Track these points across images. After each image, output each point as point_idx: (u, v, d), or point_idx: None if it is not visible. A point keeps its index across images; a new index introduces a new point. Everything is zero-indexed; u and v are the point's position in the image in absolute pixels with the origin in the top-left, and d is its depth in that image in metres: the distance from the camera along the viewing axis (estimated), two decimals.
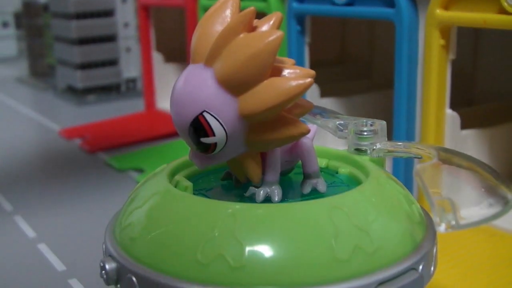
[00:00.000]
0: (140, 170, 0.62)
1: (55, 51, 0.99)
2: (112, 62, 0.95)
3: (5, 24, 1.41)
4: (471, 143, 0.48)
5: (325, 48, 0.74)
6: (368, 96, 0.63)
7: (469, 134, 0.48)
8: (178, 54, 0.83)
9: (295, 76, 0.25)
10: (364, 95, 0.63)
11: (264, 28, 0.26)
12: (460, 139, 0.46)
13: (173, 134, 0.72)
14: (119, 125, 0.80)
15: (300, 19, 0.55)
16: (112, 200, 0.55)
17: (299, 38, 0.56)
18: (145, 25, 0.82)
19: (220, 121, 0.25)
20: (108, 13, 0.93)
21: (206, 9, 0.67)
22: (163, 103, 0.83)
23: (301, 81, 0.24)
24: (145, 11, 0.82)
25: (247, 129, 0.26)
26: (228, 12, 0.26)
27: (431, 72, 0.44)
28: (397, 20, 0.46)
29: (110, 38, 0.94)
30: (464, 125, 0.47)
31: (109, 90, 0.96)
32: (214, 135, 0.25)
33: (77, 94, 0.95)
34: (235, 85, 0.25)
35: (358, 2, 0.49)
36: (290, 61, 0.27)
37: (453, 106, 0.46)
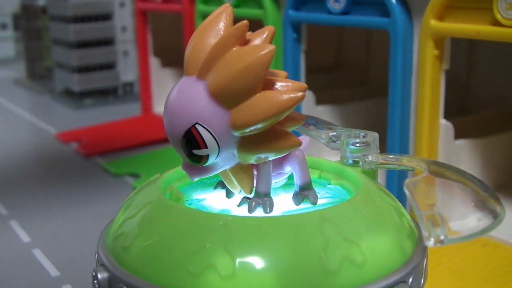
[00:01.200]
0: (136, 176, 0.62)
1: (53, 54, 0.99)
2: (110, 66, 0.95)
3: (3, 26, 1.41)
4: (465, 153, 0.48)
5: (321, 55, 0.74)
6: (363, 103, 0.64)
7: (463, 144, 0.48)
8: (175, 59, 0.84)
9: (287, 89, 0.26)
10: (359, 102, 0.64)
11: (257, 41, 0.26)
12: (453, 149, 0.46)
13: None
14: (115, 129, 0.80)
15: (296, 26, 0.56)
16: (107, 205, 0.55)
17: (295, 46, 0.56)
18: (142, 30, 0.83)
19: (213, 133, 0.25)
20: (106, 17, 0.93)
21: (203, 15, 0.67)
22: (160, 108, 0.84)
23: (293, 95, 0.25)
24: (142, 15, 0.82)
25: (239, 141, 0.26)
26: (221, 25, 0.26)
27: (425, 82, 0.44)
28: (392, 29, 0.46)
29: (108, 42, 0.94)
30: (458, 135, 0.47)
31: (106, 94, 0.96)
32: (206, 147, 0.25)
33: (74, 97, 0.95)
34: (227, 98, 0.25)
35: (353, 11, 0.49)
36: (283, 73, 0.27)
37: (447, 116, 0.46)
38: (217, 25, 0.27)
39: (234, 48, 0.25)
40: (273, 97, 0.25)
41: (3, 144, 0.76)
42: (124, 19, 0.95)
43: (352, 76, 0.74)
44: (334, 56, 0.77)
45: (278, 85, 0.26)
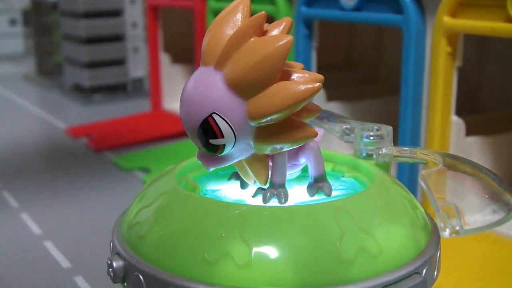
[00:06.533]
0: (146, 170, 0.62)
1: (63, 50, 0.99)
2: (120, 62, 0.96)
3: (13, 22, 1.41)
4: (476, 150, 0.48)
5: (332, 52, 0.74)
6: (374, 101, 0.64)
7: (474, 141, 0.48)
8: (186, 55, 0.84)
9: (304, 80, 0.26)
10: (370, 100, 0.64)
11: (275, 32, 0.26)
12: (464, 146, 0.46)
13: (179, 135, 0.72)
14: (125, 124, 0.80)
15: (308, 23, 0.56)
16: (117, 199, 0.55)
17: (307, 42, 0.56)
18: (153, 26, 0.83)
19: (229, 123, 0.25)
20: (116, 12, 0.94)
21: (215, 11, 0.67)
22: (170, 104, 0.84)
23: (310, 86, 0.25)
24: (153, 11, 0.82)
25: (255, 131, 0.26)
26: (239, 16, 0.27)
27: (438, 79, 0.44)
28: (405, 26, 0.46)
29: (118, 38, 0.95)
30: (469, 132, 0.47)
31: (116, 90, 0.97)
32: (223, 136, 0.26)
33: (84, 93, 0.95)
34: (244, 88, 0.25)
35: (366, 8, 0.50)
36: (299, 65, 0.27)
37: (458, 113, 0.46)
38: (235, 16, 0.27)
39: (252, 39, 0.25)
40: (290, 87, 0.25)
41: (13, 139, 0.77)
42: (134, 15, 0.95)
43: (363, 73, 0.74)
44: (345, 53, 0.77)
45: (295, 76, 0.26)
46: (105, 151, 0.70)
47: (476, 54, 0.61)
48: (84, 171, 0.64)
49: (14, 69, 1.26)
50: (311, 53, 0.57)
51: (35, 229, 0.49)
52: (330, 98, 0.60)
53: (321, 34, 0.57)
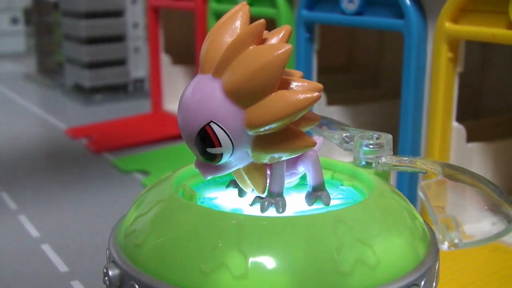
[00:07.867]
0: (146, 172, 0.62)
1: (64, 49, 0.99)
2: (120, 62, 0.95)
3: (14, 20, 1.41)
4: (477, 156, 0.48)
5: (332, 56, 0.74)
6: (374, 105, 0.63)
7: (475, 147, 0.48)
8: (186, 57, 0.84)
9: (303, 89, 0.25)
10: (370, 104, 0.64)
11: (273, 40, 0.26)
12: (465, 152, 0.46)
13: (179, 137, 0.72)
14: (125, 125, 0.80)
15: (309, 26, 0.55)
16: (116, 202, 0.55)
17: (308, 46, 0.56)
18: (154, 27, 0.83)
19: (227, 132, 0.25)
20: (117, 13, 0.94)
21: (215, 12, 0.67)
22: (170, 105, 0.84)
23: (308, 95, 0.25)
24: (154, 12, 0.82)
25: (253, 140, 0.26)
26: (238, 24, 0.26)
27: (439, 84, 0.44)
28: (406, 31, 0.46)
29: (119, 38, 0.95)
30: (470, 138, 0.47)
31: (116, 90, 0.96)
32: (220, 145, 0.25)
33: (84, 93, 0.95)
34: (242, 97, 0.25)
35: (367, 12, 0.49)
36: (298, 73, 0.27)
37: (459, 119, 0.46)
38: (234, 24, 0.26)
39: (251, 47, 0.25)
40: (289, 96, 0.25)
41: (12, 139, 0.76)
42: (135, 16, 0.95)
43: (363, 77, 0.74)
44: (346, 57, 0.77)
45: (294, 84, 0.26)
46: (104, 152, 0.69)
47: (477, 59, 0.61)
48: (83, 173, 0.64)
49: (15, 68, 1.26)
50: (311, 56, 0.57)
51: (33, 231, 0.49)
52: (330, 101, 0.59)
53: (322, 37, 0.57)
